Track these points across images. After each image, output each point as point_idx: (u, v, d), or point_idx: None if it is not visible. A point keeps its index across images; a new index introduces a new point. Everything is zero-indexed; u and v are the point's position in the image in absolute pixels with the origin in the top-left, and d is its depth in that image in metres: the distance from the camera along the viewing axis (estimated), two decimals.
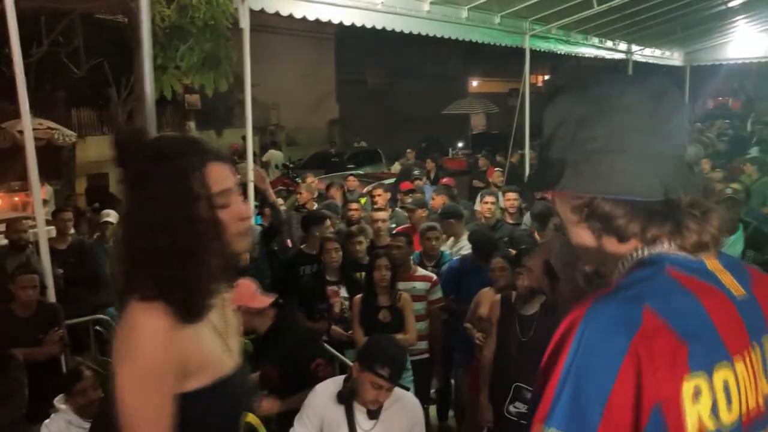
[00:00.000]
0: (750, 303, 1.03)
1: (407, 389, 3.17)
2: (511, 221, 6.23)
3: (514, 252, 4.41)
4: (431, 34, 7.50)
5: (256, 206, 6.18)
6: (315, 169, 12.98)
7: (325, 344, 4.26)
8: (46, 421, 3.35)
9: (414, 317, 4.42)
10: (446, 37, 7.81)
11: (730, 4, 10.77)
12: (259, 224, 5.86)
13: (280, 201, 6.48)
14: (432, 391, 4.96)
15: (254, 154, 15.89)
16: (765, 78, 26.56)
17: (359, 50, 21.42)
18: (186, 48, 4.26)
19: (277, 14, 5.74)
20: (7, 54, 4.06)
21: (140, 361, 1.32)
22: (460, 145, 22.74)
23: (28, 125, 4.15)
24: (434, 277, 4.76)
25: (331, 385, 3.05)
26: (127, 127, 1.47)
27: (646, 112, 1.03)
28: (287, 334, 3.53)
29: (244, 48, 5.20)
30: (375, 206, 6.60)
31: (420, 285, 4.66)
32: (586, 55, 11.69)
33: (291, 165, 16.13)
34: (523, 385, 3.50)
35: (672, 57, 15.36)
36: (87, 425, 3.24)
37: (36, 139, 11.14)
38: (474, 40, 8.37)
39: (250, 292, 3.34)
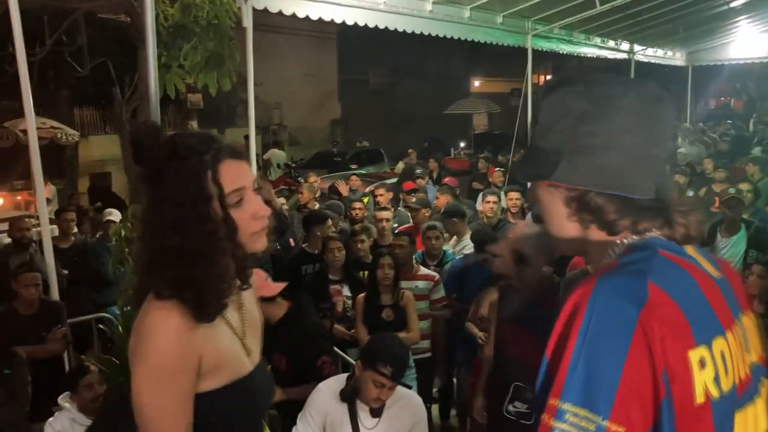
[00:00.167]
0: (725, 283, 1.11)
1: (409, 387, 3.18)
2: (513, 221, 6.24)
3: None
4: (433, 34, 7.50)
5: None
6: (317, 169, 13.00)
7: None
8: (50, 419, 3.36)
9: (417, 316, 4.43)
10: (448, 36, 7.81)
11: (732, 5, 10.77)
12: None
13: (282, 200, 6.48)
14: (434, 390, 4.97)
15: (256, 154, 15.97)
16: (767, 78, 26.55)
17: (362, 50, 21.42)
18: (189, 47, 4.26)
19: (280, 13, 5.74)
20: (11, 53, 4.06)
21: (154, 361, 1.32)
22: (462, 145, 22.74)
23: (32, 124, 4.16)
24: (436, 276, 4.77)
25: (334, 383, 3.06)
26: (144, 125, 1.45)
27: (644, 115, 1.08)
28: (298, 326, 3.54)
29: (247, 47, 5.20)
30: (378, 206, 6.61)
31: (422, 284, 4.68)
32: (589, 55, 11.69)
33: (293, 164, 16.14)
34: (523, 385, 3.50)
35: (674, 57, 15.36)
36: None
37: (39, 138, 11.19)
38: (476, 40, 8.37)
39: (261, 280, 3.36)
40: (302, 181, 9.23)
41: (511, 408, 3.54)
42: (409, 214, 6.76)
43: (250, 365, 1.49)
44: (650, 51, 13.82)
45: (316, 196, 7.45)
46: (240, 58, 4.99)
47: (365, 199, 7.62)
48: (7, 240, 5.99)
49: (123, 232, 4.36)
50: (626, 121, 1.07)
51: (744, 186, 6.17)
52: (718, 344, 1.00)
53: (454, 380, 5.01)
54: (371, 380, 2.85)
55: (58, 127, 11.83)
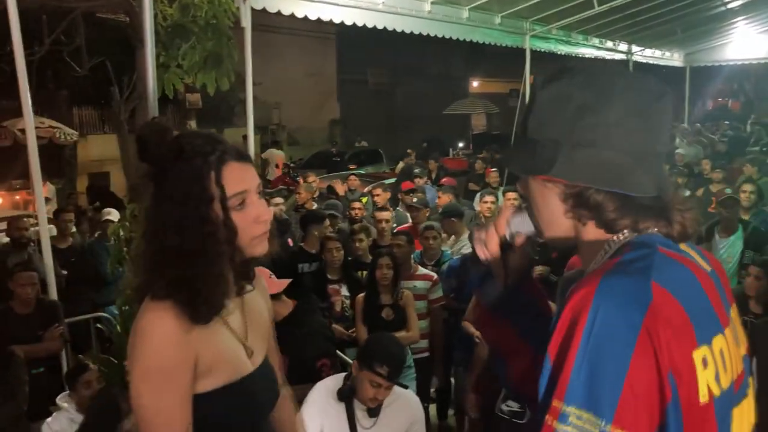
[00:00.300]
0: (715, 277, 1.10)
1: (406, 387, 3.18)
2: None
3: None
4: (432, 34, 7.51)
5: None
6: (316, 169, 13.00)
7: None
8: (48, 419, 3.36)
9: (416, 315, 4.45)
10: (447, 37, 7.82)
11: (730, 6, 10.79)
12: None
13: (280, 200, 6.48)
14: (432, 389, 4.98)
15: (254, 154, 15.97)
16: (764, 79, 26.59)
17: (361, 50, 21.42)
18: (188, 47, 4.27)
19: (278, 14, 5.75)
20: (9, 52, 4.07)
21: (150, 362, 1.32)
22: (460, 145, 22.76)
23: (30, 124, 4.17)
24: (435, 275, 4.78)
25: (332, 382, 3.06)
26: (152, 123, 1.45)
27: (646, 110, 1.04)
28: (302, 326, 3.54)
29: (245, 47, 5.21)
30: (375, 206, 6.62)
31: (421, 284, 4.69)
32: (587, 56, 11.70)
33: (292, 164, 16.15)
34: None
35: (672, 58, 15.38)
36: None
37: (38, 137, 11.20)
38: (475, 41, 8.38)
39: (265, 277, 3.36)
40: (301, 180, 9.24)
41: (504, 407, 3.56)
42: (407, 214, 6.77)
43: (251, 366, 1.49)
44: (648, 52, 13.83)
45: (315, 196, 7.46)
46: (238, 58, 4.99)
47: (364, 199, 7.63)
48: (6, 239, 6.00)
49: (121, 232, 4.37)
50: (628, 115, 1.03)
51: (747, 187, 6.11)
52: (718, 342, 1.00)
53: (452, 380, 5.01)
54: (368, 380, 2.85)
55: (56, 126, 11.84)
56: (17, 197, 11.18)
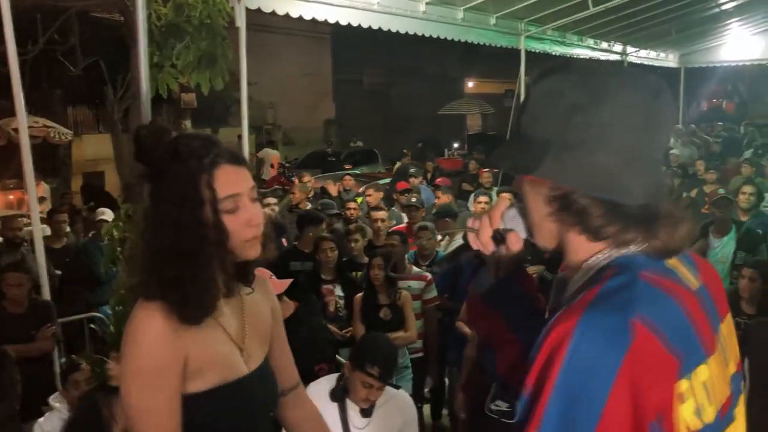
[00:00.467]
0: (704, 293, 1.05)
1: (398, 388, 3.19)
2: None
3: None
4: (427, 35, 7.50)
5: None
6: (311, 169, 13.01)
7: None
8: (41, 419, 3.35)
9: (414, 315, 4.46)
10: (442, 37, 7.82)
11: (724, 7, 10.83)
12: None
13: (273, 200, 6.46)
14: (426, 389, 4.98)
15: (249, 152, 15.96)
16: (758, 80, 26.70)
17: (356, 50, 21.42)
18: (182, 46, 4.25)
19: (273, 13, 5.74)
20: (2, 51, 4.06)
21: (138, 362, 1.34)
22: (456, 145, 22.78)
23: (23, 123, 4.16)
24: (429, 276, 4.79)
25: (325, 383, 3.06)
26: (149, 125, 1.46)
27: (641, 111, 0.99)
28: (302, 328, 3.54)
29: (240, 47, 5.20)
30: (369, 205, 6.62)
31: (415, 284, 4.70)
32: (582, 56, 11.72)
33: (287, 164, 16.13)
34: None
35: (666, 59, 15.42)
36: None
37: (32, 137, 11.16)
38: (469, 41, 8.39)
39: (266, 278, 3.36)
40: (296, 180, 9.24)
41: (492, 406, 3.56)
42: (402, 214, 6.78)
43: (246, 368, 1.49)
44: (643, 53, 13.87)
45: (310, 195, 7.45)
46: (233, 57, 4.98)
47: (359, 199, 7.63)
48: None
49: (115, 232, 4.36)
50: (622, 116, 0.97)
51: (747, 189, 6.06)
52: (701, 374, 0.95)
53: (446, 380, 5.02)
54: (360, 381, 2.85)
55: (51, 126, 11.77)
56: (11, 197, 11.14)
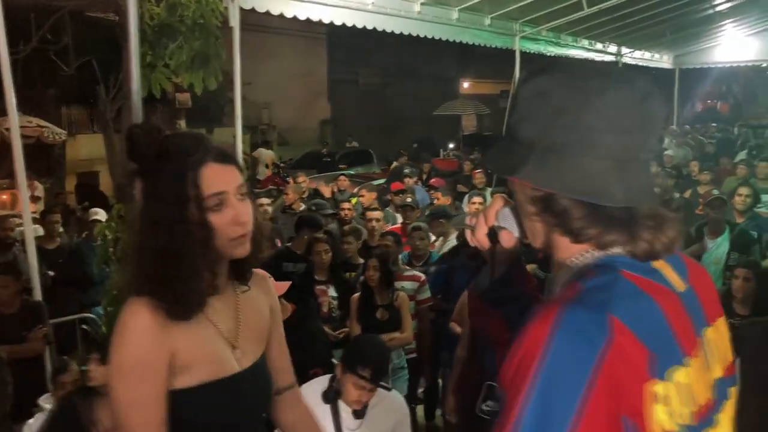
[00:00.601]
0: (690, 296, 1.04)
1: (389, 389, 3.19)
2: None
3: None
4: (422, 35, 7.50)
5: None
6: (306, 169, 12.98)
7: None
8: (30, 420, 3.33)
9: (410, 316, 4.46)
10: (436, 38, 7.82)
11: (718, 8, 10.87)
12: None
13: (266, 200, 6.43)
14: (420, 390, 4.98)
15: (244, 152, 15.94)
16: (752, 82, 26.82)
17: (352, 50, 21.44)
18: (175, 46, 4.24)
19: (267, 13, 5.73)
20: None
21: (123, 356, 1.36)
22: (451, 146, 22.80)
23: (14, 122, 4.13)
24: (422, 276, 4.78)
25: (317, 385, 3.06)
26: (142, 125, 1.48)
27: (626, 113, 0.98)
28: (297, 331, 3.54)
29: (233, 47, 5.19)
30: (363, 206, 6.62)
31: (408, 285, 4.69)
32: (576, 57, 11.75)
33: (282, 164, 16.12)
34: (495, 384, 3.51)
35: (661, 60, 15.47)
36: None
37: (25, 137, 11.14)
38: (464, 42, 8.39)
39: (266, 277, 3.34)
40: (291, 181, 9.22)
41: (484, 407, 3.56)
42: (396, 215, 6.77)
43: (237, 366, 1.50)
44: (638, 53, 13.91)
45: (304, 196, 7.44)
46: (227, 57, 4.97)
47: (353, 200, 7.62)
48: None
49: (107, 233, 4.34)
50: (606, 118, 0.97)
51: (744, 191, 6.05)
52: (677, 375, 0.95)
53: (440, 381, 5.02)
54: (351, 382, 2.86)
55: (44, 125, 11.75)
56: (4, 197, 11.09)
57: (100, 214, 6.73)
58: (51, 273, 5.58)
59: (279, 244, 5.78)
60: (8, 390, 3.32)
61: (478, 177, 8.94)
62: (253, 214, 1.47)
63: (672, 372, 0.94)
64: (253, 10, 5.45)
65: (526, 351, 0.91)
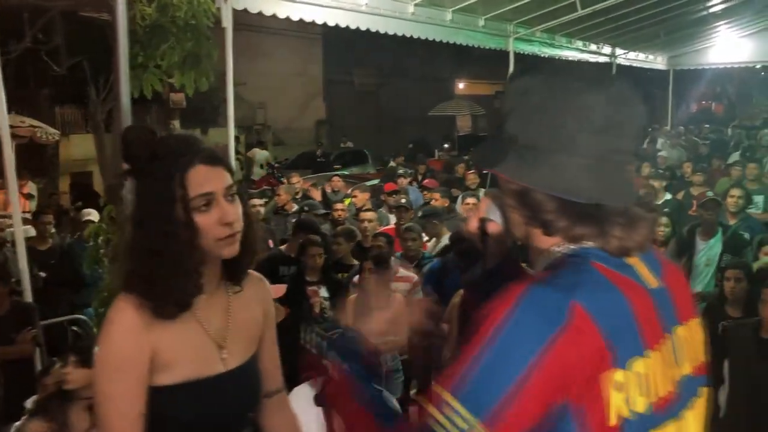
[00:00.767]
0: (662, 293, 1.08)
1: (380, 391, 3.17)
2: None
3: None
4: (415, 36, 7.51)
5: None
6: (301, 170, 12.98)
7: None
8: (17, 423, 3.31)
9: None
10: (430, 39, 7.83)
11: (712, 10, 10.91)
12: None
13: (259, 201, 6.40)
14: (412, 392, 4.97)
15: (239, 153, 15.91)
16: (746, 83, 26.91)
17: (347, 51, 21.38)
18: (167, 47, 4.23)
19: (260, 14, 5.73)
20: None
21: (106, 349, 1.41)
22: (446, 146, 22.79)
23: (4, 122, 4.10)
24: (415, 277, 4.77)
25: (308, 388, 3.04)
26: (137, 126, 1.59)
27: (602, 115, 1.02)
28: (290, 334, 3.52)
29: (226, 48, 5.18)
30: (356, 207, 6.61)
31: (401, 286, 4.67)
32: (570, 59, 11.76)
33: (276, 165, 16.09)
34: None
35: (655, 61, 15.51)
36: None
37: (18, 137, 11.07)
38: (458, 43, 8.39)
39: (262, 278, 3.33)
40: (286, 182, 9.21)
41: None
42: (389, 215, 6.76)
43: (222, 367, 1.51)
44: (632, 55, 13.94)
45: (297, 196, 7.43)
46: (220, 57, 4.96)
47: (347, 201, 7.61)
48: None
49: (99, 233, 4.33)
50: (582, 119, 1.02)
51: (736, 192, 6.07)
52: (636, 365, 0.98)
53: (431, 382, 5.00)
54: None
55: (37, 125, 11.66)
56: None
57: (93, 215, 6.71)
58: (42, 274, 5.55)
59: (271, 245, 5.77)
60: None
61: (471, 178, 8.93)
62: (245, 215, 1.49)
63: (632, 362, 0.98)
64: (245, 10, 5.45)
65: (489, 317, 0.96)
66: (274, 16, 5.90)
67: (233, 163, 5.90)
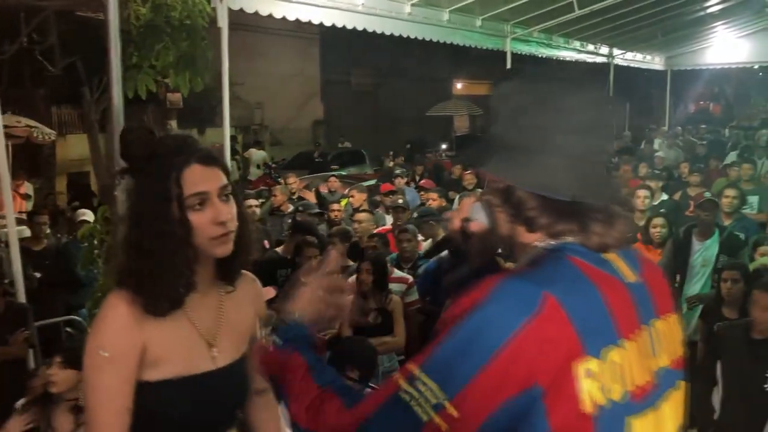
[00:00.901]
0: (640, 288, 1.12)
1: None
2: None
3: None
4: (412, 36, 7.49)
5: None
6: (298, 170, 12.95)
7: None
8: (7, 424, 3.30)
9: (403, 320, 4.43)
10: (427, 39, 7.81)
11: (709, 10, 10.91)
12: None
13: (254, 202, 6.39)
14: None
15: (236, 153, 15.89)
16: (744, 83, 26.94)
17: (345, 51, 21.39)
18: (161, 47, 4.22)
19: (256, 14, 5.71)
20: None
21: (96, 342, 1.44)
22: (444, 146, 22.78)
23: None
24: (410, 278, 4.76)
25: None
26: (136, 126, 1.56)
27: (579, 116, 1.10)
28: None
29: (222, 48, 5.16)
30: (352, 207, 6.59)
31: (396, 287, 4.66)
32: (568, 59, 11.76)
33: (273, 165, 16.07)
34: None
35: (653, 61, 15.52)
36: None
37: (14, 137, 11.04)
38: (455, 43, 8.38)
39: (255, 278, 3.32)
40: (281, 181, 9.19)
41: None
42: (385, 216, 6.75)
43: (211, 365, 1.54)
44: (629, 55, 13.95)
45: (294, 196, 7.41)
46: (215, 57, 4.95)
47: (343, 201, 7.59)
48: None
49: (93, 234, 4.32)
50: (560, 121, 1.09)
51: (730, 192, 6.05)
52: (611, 354, 1.02)
53: None
54: None
55: (33, 125, 11.63)
56: None
57: (88, 215, 6.68)
58: (37, 275, 5.52)
59: (267, 246, 5.76)
60: None
61: (468, 178, 8.93)
62: (239, 215, 1.53)
63: (606, 351, 1.01)
64: (241, 10, 5.43)
65: (462, 306, 1.02)
66: (270, 16, 5.88)
67: (229, 163, 5.90)
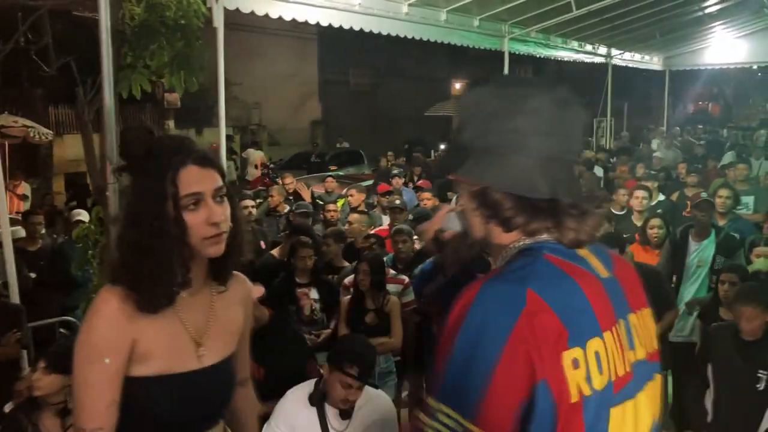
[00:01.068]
0: (613, 283, 1.17)
1: (375, 387, 3.19)
2: None
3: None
4: (409, 36, 7.48)
5: None
6: (296, 170, 12.92)
7: None
8: None
9: (401, 321, 4.42)
10: (425, 39, 7.80)
11: (708, 11, 10.91)
12: None
13: (251, 202, 6.35)
14: (404, 394, 4.95)
15: (234, 153, 15.86)
16: (743, 83, 26.96)
17: (343, 50, 21.36)
18: (156, 47, 4.19)
19: (252, 14, 5.70)
20: None
21: (85, 337, 1.47)
22: (442, 147, 22.76)
23: None
24: (406, 279, 4.75)
25: (302, 389, 3.07)
26: (136, 127, 1.60)
27: (548, 117, 1.13)
28: (276, 335, 3.51)
29: (218, 48, 5.14)
30: (350, 207, 6.58)
31: (392, 288, 4.65)
32: (566, 59, 11.74)
33: (271, 165, 16.05)
34: None
35: (651, 61, 15.51)
36: None
37: (11, 137, 11.03)
38: (452, 43, 8.36)
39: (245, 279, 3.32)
40: (279, 182, 9.17)
41: None
42: (382, 216, 6.73)
43: (197, 364, 1.56)
44: (627, 55, 13.94)
45: (290, 197, 7.39)
46: (213, 58, 4.93)
47: (340, 201, 7.58)
48: None
49: (88, 234, 4.30)
50: (529, 122, 1.11)
51: (724, 192, 6.06)
52: (593, 345, 1.05)
53: (424, 384, 4.98)
54: (338, 381, 2.86)
55: (30, 125, 11.60)
56: None
57: (83, 215, 6.67)
58: (32, 275, 5.51)
59: (263, 246, 5.74)
60: None
61: None
62: (233, 216, 1.54)
63: (590, 342, 1.05)
64: (237, 10, 5.41)
65: (452, 321, 1.04)
66: (266, 16, 5.87)
67: (226, 163, 5.88)
